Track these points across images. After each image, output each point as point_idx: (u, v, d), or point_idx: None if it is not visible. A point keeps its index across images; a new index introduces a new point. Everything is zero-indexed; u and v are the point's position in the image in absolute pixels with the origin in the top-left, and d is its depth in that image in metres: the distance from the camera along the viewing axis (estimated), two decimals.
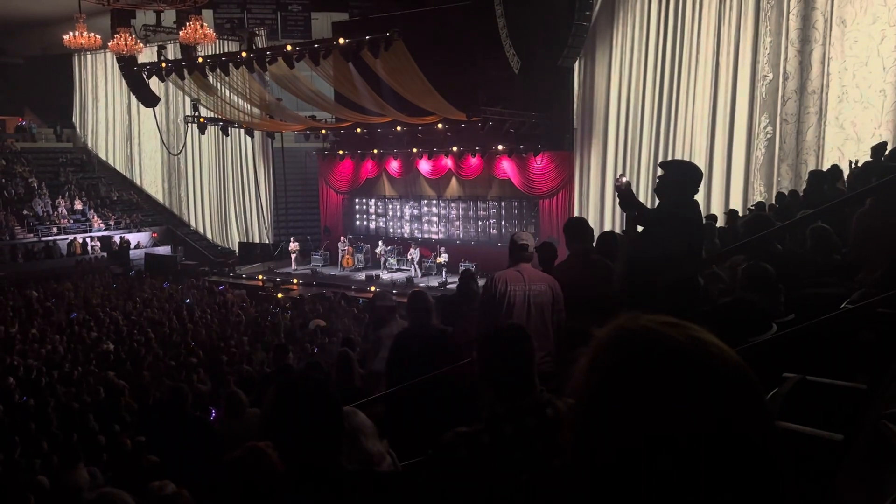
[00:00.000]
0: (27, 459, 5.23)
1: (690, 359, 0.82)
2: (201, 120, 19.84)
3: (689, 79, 14.66)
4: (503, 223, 21.44)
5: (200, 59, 16.16)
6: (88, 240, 22.54)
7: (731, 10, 13.79)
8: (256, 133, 22.71)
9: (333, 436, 1.57)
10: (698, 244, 3.23)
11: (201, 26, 16.40)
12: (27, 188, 23.19)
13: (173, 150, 24.86)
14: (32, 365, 9.27)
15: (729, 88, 13.95)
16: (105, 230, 23.38)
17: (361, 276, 21.24)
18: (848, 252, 2.79)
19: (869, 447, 1.18)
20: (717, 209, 13.41)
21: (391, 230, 23.98)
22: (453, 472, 1.66)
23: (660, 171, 3.40)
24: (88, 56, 26.18)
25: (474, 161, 20.79)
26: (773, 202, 8.54)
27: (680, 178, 3.32)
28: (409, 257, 20.80)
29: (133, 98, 21.03)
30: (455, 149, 20.01)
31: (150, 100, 18.95)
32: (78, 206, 23.95)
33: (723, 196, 14.56)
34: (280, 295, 17.61)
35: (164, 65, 16.54)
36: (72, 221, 23.03)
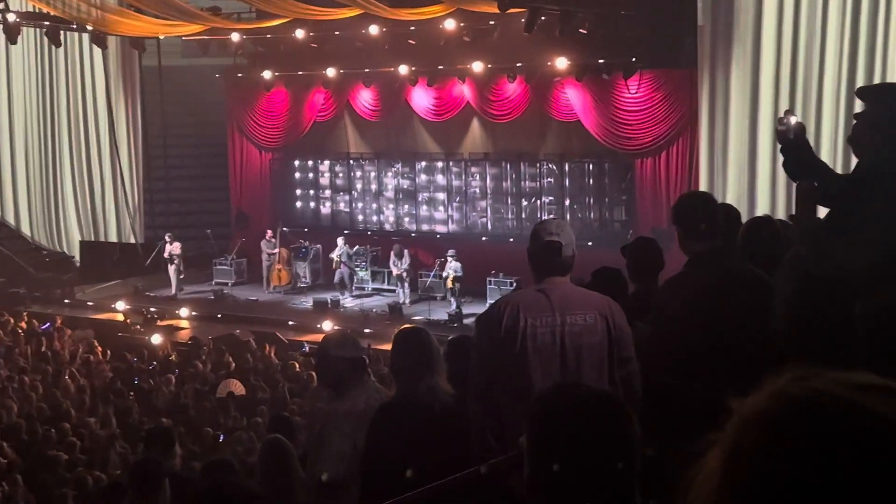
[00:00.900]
0: None
1: None
2: (9, 19, 17.87)
3: None
4: (567, 203, 21.19)
5: None
6: None
7: None
8: (112, 42, 21.20)
9: None
10: None
11: None
12: None
13: None
14: None
15: None
16: None
17: (306, 301, 21.18)
18: None
19: None
20: None
21: (360, 218, 23.70)
22: None
23: (860, 105, 3.26)
24: None
25: (513, 89, 19.96)
26: None
27: None
28: (393, 268, 20.66)
29: None
30: (478, 67, 19.28)
31: None
32: None
33: None
34: (157, 339, 17.27)
35: None
36: None
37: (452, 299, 19.39)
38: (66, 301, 21.27)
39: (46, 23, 17.90)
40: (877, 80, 13.94)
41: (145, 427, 9.54)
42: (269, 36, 20.54)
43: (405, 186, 22.86)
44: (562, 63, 18.13)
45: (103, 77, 23.13)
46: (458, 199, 22.32)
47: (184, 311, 20.28)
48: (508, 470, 2.79)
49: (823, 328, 2.72)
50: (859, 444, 0.69)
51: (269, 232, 22.56)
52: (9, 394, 12.55)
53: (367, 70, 20.40)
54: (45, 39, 19.65)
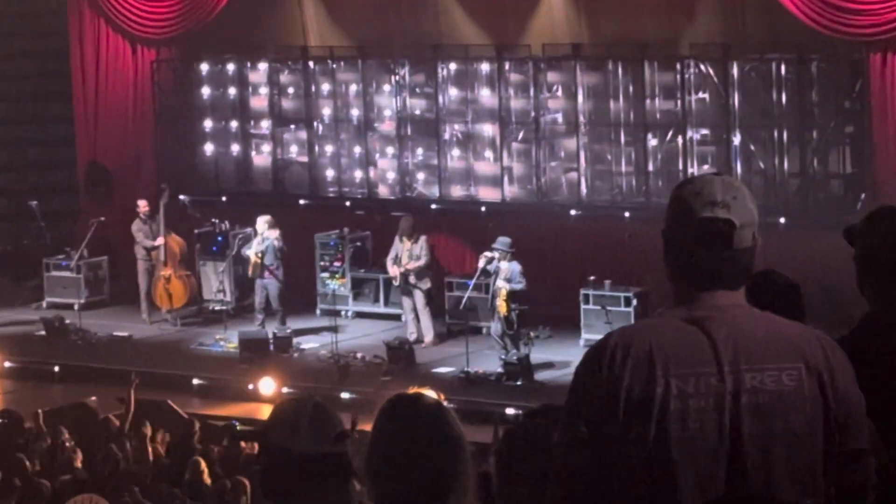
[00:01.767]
0: None
1: None
2: None
3: None
4: (737, 142, 20.78)
5: None
6: None
7: None
8: None
9: None
10: None
11: None
12: None
13: None
14: None
15: None
16: None
17: (222, 341, 21.35)
18: None
19: None
20: None
21: (329, 175, 23.92)
22: None
23: None
24: None
25: None
26: None
27: None
28: (391, 269, 20.78)
29: None
30: None
31: None
32: None
33: None
34: None
35: None
36: None
37: (505, 337, 18.95)
38: None
39: None
40: None
41: None
42: None
43: (417, 112, 22.60)
44: None
45: None
46: (520, 135, 21.81)
47: None
48: None
49: None
50: None
51: (143, 203, 22.23)
52: None
53: None
54: None
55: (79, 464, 14.77)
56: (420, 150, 22.18)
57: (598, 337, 3.84)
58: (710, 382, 3.37)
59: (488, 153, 21.71)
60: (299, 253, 21.74)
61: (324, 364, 19.51)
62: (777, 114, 20.46)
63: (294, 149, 23.21)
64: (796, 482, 3.36)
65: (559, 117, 21.36)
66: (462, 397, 16.62)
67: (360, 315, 21.41)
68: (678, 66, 20.68)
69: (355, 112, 22.46)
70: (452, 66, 22.27)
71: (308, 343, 20.44)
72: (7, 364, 20.26)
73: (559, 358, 18.27)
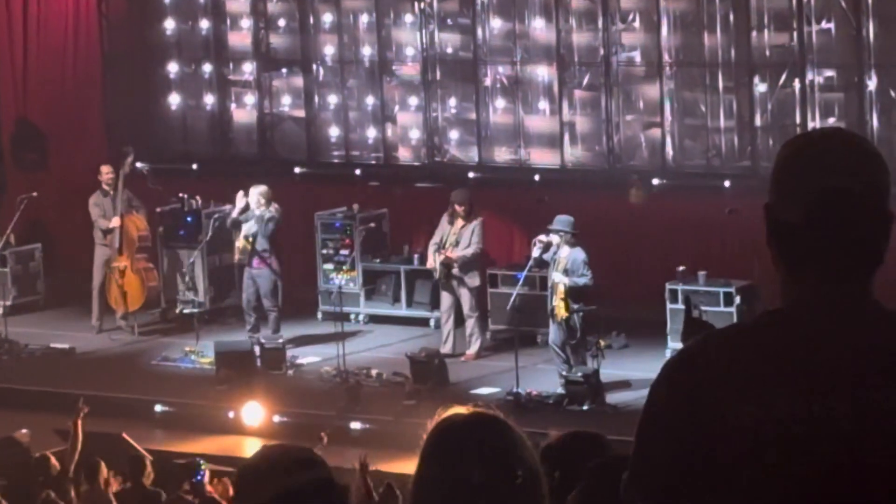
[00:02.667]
0: None
1: None
2: None
3: None
4: (872, 87, 21.44)
5: None
6: None
7: None
8: None
9: None
10: None
11: None
12: None
13: None
14: None
15: None
16: None
17: (192, 356, 21.77)
18: None
19: None
20: None
21: (333, 134, 24.05)
22: None
23: None
24: None
25: None
26: None
27: None
28: (431, 259, 21.29)
29: None
30: None
31: None
32: None
33: None
34: None
35: None
36: None
37: (567, 347, 19.38)
38: None
39: None
40: None
41: None
42: None
43: (448, 51, 22.99)
44: None
45: None
46: (585, 80, 22.11)
47: None
48: None
49: None
50: None
51: (107, 170, 22.54)
52: None
53: None
54: None
55: None
56: (453, 101, 22.25)
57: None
58: (823, 402, 3.40)
59: (543, 104, 21.80)
60: (295, 238, 21.80)
61: (327, 384, 19.71)
62: None
63: (286, 100, 23.39)
64: None
65: (636, 56, 21.42)
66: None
67: (374, 319, 21.71)
68: None
69: (367, 51, 22.52)
70: None
71: (307, 357, 20.60)
72: None
73: (638, 374, 18.17)
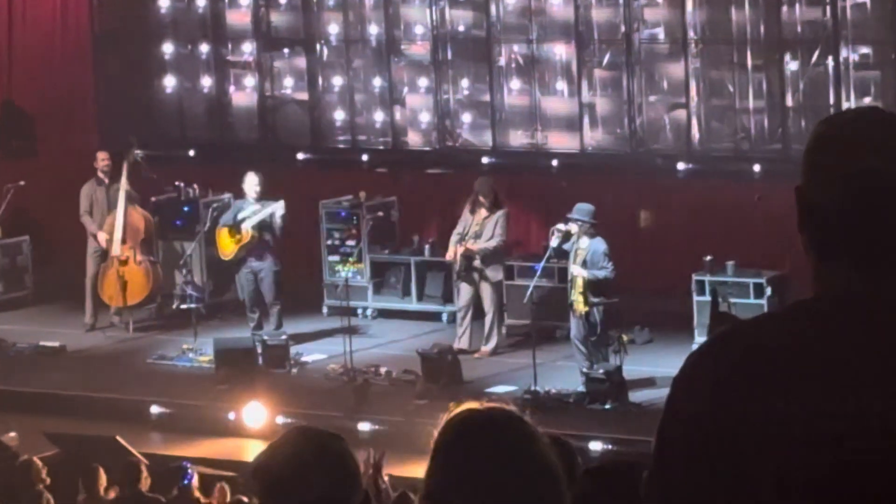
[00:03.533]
0: None
1: None
2: None
3: None
4: None
5: None
6: None
7: None
8: None
9: None
10: None
11: None
12: None
13: None
14: None
15: None
16: None
17: (191, 353, 21.86)
18: None
19: None
20: None
21: (338, 118, 24.27)
22: None
23: None
24: None
25: None
26: None
27: None
28: (452, 250, 21.64)
29: None
30: None
31: None
32: None
33: None
34: None
35: None
36: None
37: (588, 342, 19.42)
38: None
39: None
40: None
41: None
42: None
43: (460, 28, 22.82)
44: None
45: None
46: (606, 59, 21.93)
47: None
48: None
49: None
50: None
51: (103, 157, 22.50)
52: None
53: None
54: None
55: None
56: (465, 82, 22.18)
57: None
58: (858, 399, 3.25)
59: (560, 84, 21.71)
60: (299, 228, 21.67)
61: (334, 383, 19.68)
62: None
63: (289, 82, 23.33)
64: None
65: (660, 33, 21.29)
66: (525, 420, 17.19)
67: (383, 314, 21.66)
68: None
69: (374, 29, 22.39)
70: None
71: (312, 354, 20.55)
72: None
73: (663, 371, 17.98)
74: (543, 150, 21.83)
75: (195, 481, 15.97)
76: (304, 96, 23.26)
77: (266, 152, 22.75)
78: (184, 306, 21.62)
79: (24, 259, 22.89)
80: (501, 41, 21.88)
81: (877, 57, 20.37)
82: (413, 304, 21.47)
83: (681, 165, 20.84)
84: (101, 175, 21.71)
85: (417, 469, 6.98)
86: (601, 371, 18.14)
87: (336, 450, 5.15)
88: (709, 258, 19.32)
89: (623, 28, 21.28)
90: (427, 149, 22.59)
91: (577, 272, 18.53)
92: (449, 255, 20.37)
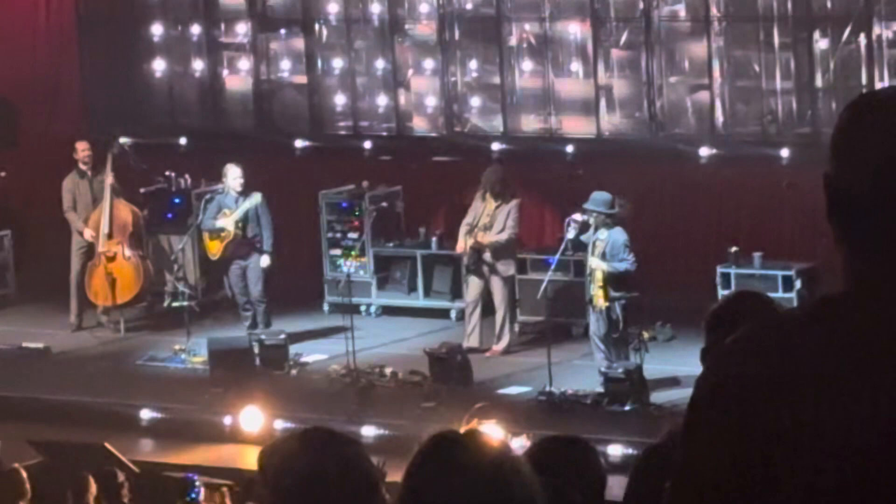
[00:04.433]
0: None
1: None
2: None
3: None
4: None
5: None
6: None
7: None
8: None
9: None
10: None
11: None
12: None
13: None
14: None
15: None
16: None
17: (183, 353, 21.99)
18: None
19: None
20: None
21: (339, 103, 24.59)
22: None
23: None
24: None
25: None
26: None
27: None
28: (462, 242, 21.79)
29: None
30: None
31: None
32: None
33: None
34: None
35: None
36: None
37: (608, 340, 19.52)
38: None
39: None
40: None
41: None
42: None
43: (468, 6, 23.13)
44: None
45: None
46: (623, 38, 21.99)
47: None
48: None
49: None
50: None
51: (83, 147, 22.63)
52: None
53: None
54: None
55: None
56: (474, 64, 22.21)
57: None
58: (891, 404, 3.10)
59: (575, 66, 21.73)
60: (297, 220, 21.76)
61: (336, 385, 19.77)
62: None
63: (286, 65, 23.38)
64: None
65: (681, 10, 21.27)
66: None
67: (388, 311, 21.60)
68: None
69: (376, 8, 22.39)
70: None
71: (312, 354, 20.54)
72: None
73: (686, 370, 17.80)
74: (557, 135, 21.86)
75: (202, 496, 15.98)
76: (302, 80, 23.34)
77: (262, 140, 22.84)
78: (175, 304, 21.63)
79: (6, 255, 23.04)
80: (512, 20, 21.96)
81: None
82: (419, 301, 21.55)
83: (704, 151, 20.83)
84: (82, 167, 21.84)
85: None
86: (620, 370, 18.15)
87: (353, 457, 5.03)
88: (734, 249, 19.33)
89: (641, 5, 21.37)
90: (434, 135, 22.65)
91: (597, 265, 18.52)
92: (459, 248, 20.33)
